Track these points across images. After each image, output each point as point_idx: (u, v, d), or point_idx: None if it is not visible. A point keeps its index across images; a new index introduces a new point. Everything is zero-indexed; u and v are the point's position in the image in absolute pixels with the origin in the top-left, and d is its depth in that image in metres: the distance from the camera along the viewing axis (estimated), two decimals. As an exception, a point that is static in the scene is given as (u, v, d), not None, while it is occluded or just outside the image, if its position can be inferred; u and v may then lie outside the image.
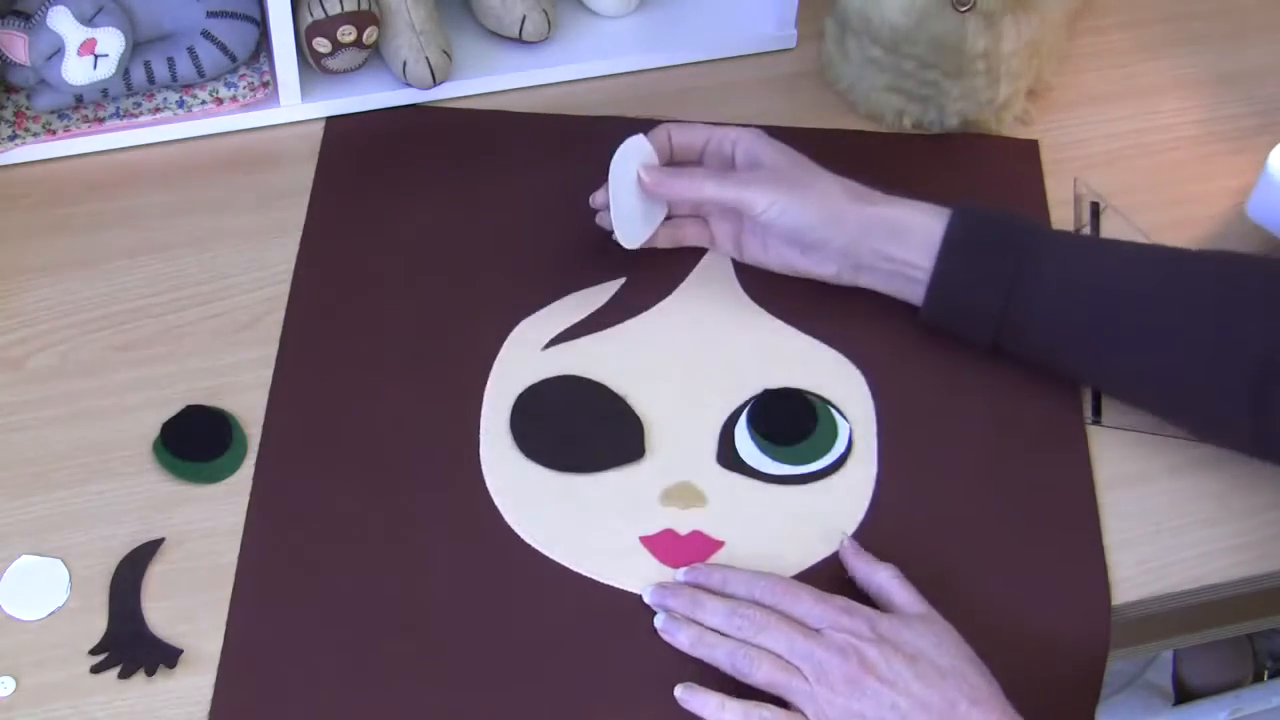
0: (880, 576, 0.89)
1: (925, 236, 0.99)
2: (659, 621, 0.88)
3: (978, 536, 0.93)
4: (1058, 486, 0.97)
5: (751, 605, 0.87)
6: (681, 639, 0.87)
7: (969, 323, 0.99)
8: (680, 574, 0.90)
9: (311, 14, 1.10)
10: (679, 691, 0.85)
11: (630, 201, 1.02)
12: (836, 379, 1.01)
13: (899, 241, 0.99)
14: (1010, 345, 1.00)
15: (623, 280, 1.06)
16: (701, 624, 0.87)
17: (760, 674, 0.84)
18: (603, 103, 1.18)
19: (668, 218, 1.06)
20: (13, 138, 1.10)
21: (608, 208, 1.03)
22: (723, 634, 0.86)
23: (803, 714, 0.83)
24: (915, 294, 1.01)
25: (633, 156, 1.02)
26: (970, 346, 1.01)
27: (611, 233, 1.03)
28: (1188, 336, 0.94)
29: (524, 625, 0.89)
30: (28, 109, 1.11)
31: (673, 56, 1.21)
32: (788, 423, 0.98)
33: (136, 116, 1.12)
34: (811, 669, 0.83)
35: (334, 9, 1.09)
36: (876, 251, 1.00)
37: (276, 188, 1.11)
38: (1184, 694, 1.40)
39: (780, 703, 0.84)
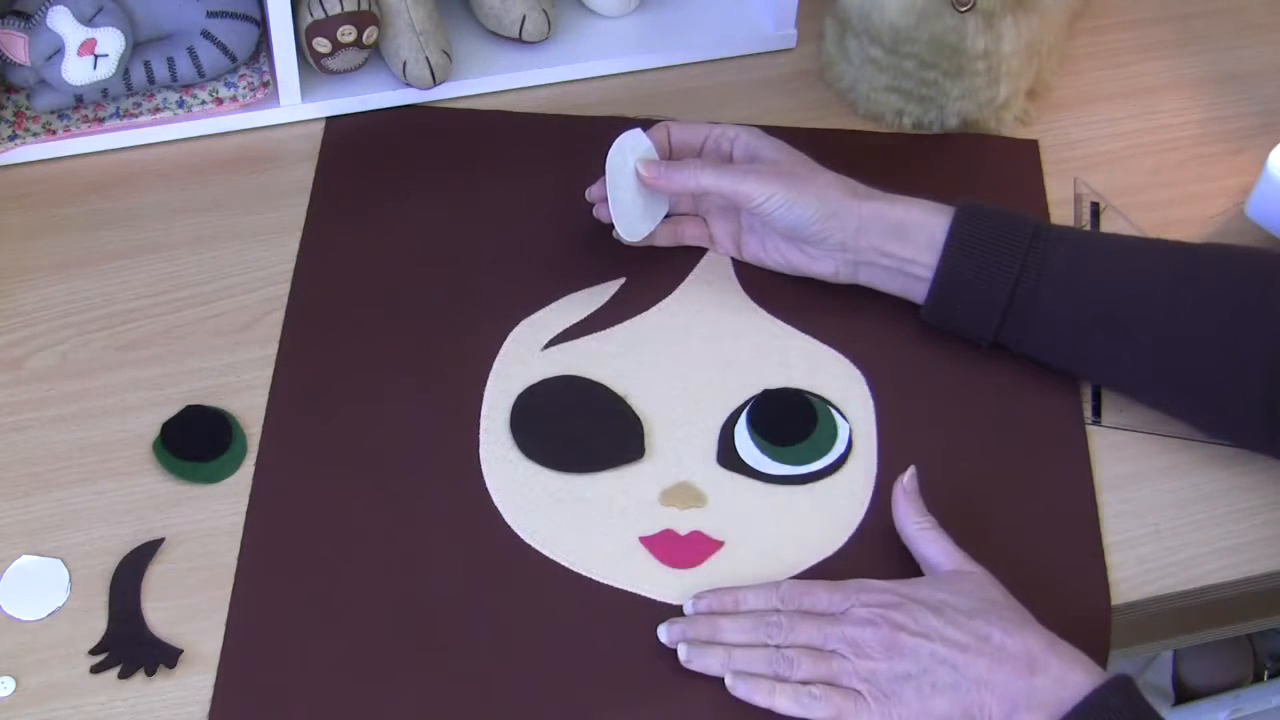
0: (911, 528, 0.90)
1: (927, 233, 0.99)
2: (683, 654, 0.87)
3: (977, 536, 0.92)
4: (1058, 486, 0.97)
5: (773, 613, 0.87)
6: (711, 663, 0.86)
7: (972, 319, 0.99)
8: (689, 605, 0.89)
9: (311, 14, 1.10)
10: (729, 680, 0.85)
11: (629, 195, 1.02)
12: (836, 379, 1.01)
13: (900, 238, 0.99)
14: (1012, 342, 1.00)
15: (622, 280, 1.06)
16: (726, 644, 0.87)
17: (802, 670, 0.85)
18: (603, 103, 1.18)
19: (667, 216, 1.06)
20: (13, 138, 1.10)
21: (605, 201, 1.03)
22: (749, 647, 0.87)
23: (855, 691, 0.84)
24: (916, 291, 1.01)
25: (630, 150, 1.02)
26: (970, 344, 1.01)
27: (611, 227, 1.04)
28: (1198, 327, 0.94)
29: (523, 625, 0.89)
30: (28, 109, 1.11)
31: (673, 56, 1.21)
32: (787, 423, 0.98)
33: (136, 116, 1.12)
34: (848, 647, 0.84)
35: (334, 9, 1.09)
36: (876, 248, 1.00)
37: (276, 188, 1.11)
38: (1184, 694, 1.40)
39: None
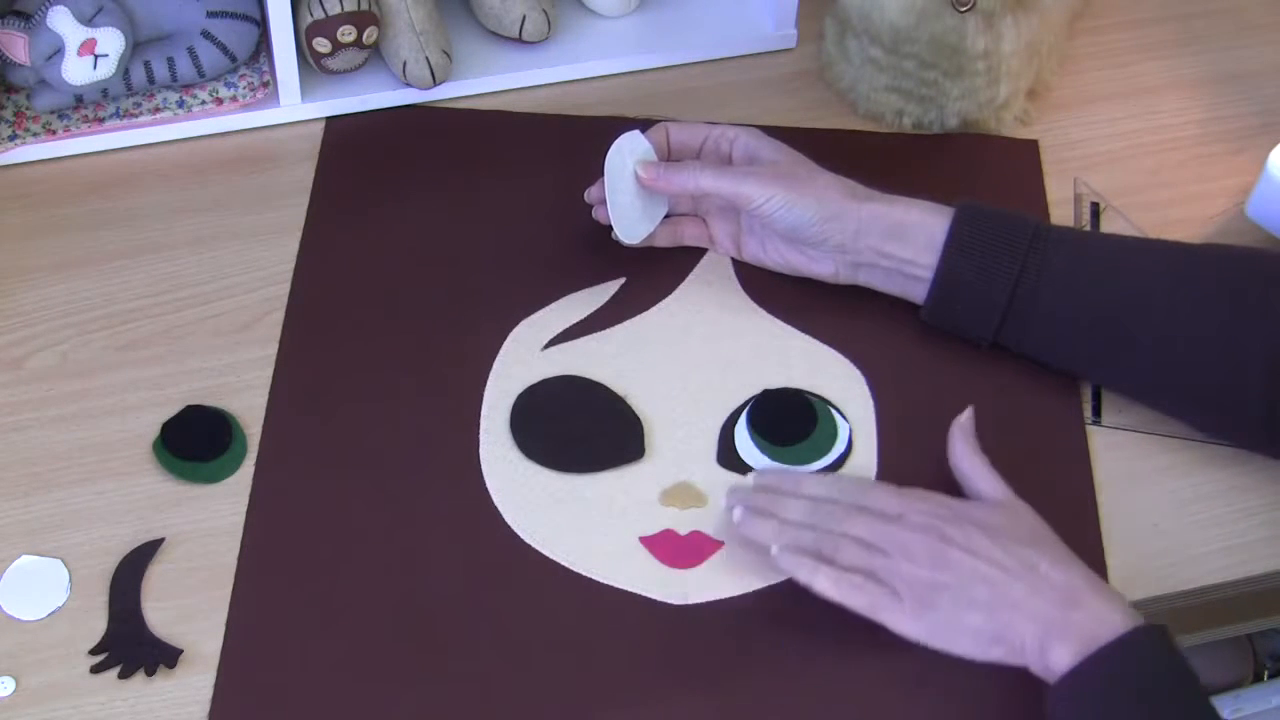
0: (965, 463, 0.92)
1: (927, 234, 0.99)
2: (738, 516, 0.89)
3: (977, 536, 0.93)
4: (1058, 486, 0.96)
5: (830, 502, 0.89)
6: (763, 531, 0.88)
7: (972, 320, 0.99)
8: (752, 478, 0.92)
9: (311, 14, 1.10)
10: (774, 551, 0.87)
11: (628, 197, 1.02)
12: (836, 379, 1.01)
13: (899, 239, 0.99)
14: (1012, 342, 1.00)
15: (622, 280, 1.06)
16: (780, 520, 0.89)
17: (845, 556, 0.86)
18: (602, 103, 1.18)
19: (667, 216, 1.06)
20: (13, 138, 1.10)
21: (604, 202, 1.03)
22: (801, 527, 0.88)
23: (893, 589, 0.85)
24: (915, 292, 1.01)
25: (629, 151, 1.02)
26: (970, 344, 1.01)
27: (610, 229, 1.04)
28: (1198, 327, 0.94)
29: (524, 625, 0.89)
30: (28, 109, 1.11)
31: (673, 56, 1.21)
32: (787, 423, 0.98)
33: (136, 116, 1.12)
34: (895, 547, 0.86)
35: (334, 9, 1.09)
36: (875, 249, 1.00)
37: (276, 188, 1.11)
38: (1184, 694, 1.39)
39: None
